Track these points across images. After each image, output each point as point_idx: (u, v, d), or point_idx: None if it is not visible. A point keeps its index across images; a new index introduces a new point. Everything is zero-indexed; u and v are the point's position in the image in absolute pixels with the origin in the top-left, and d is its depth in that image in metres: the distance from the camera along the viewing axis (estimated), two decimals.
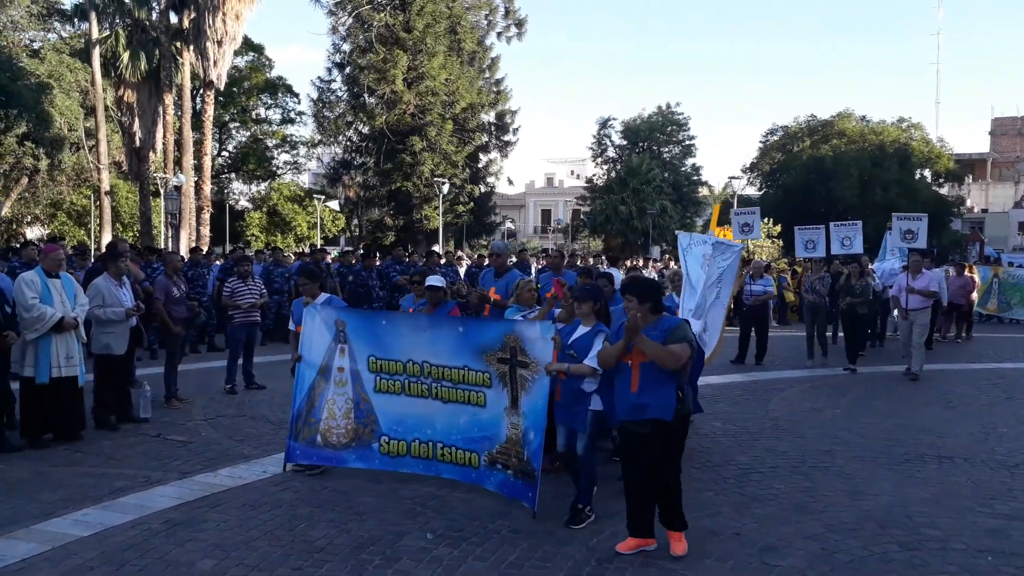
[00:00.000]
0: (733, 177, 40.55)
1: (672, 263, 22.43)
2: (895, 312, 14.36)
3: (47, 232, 37.16)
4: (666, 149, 50.30)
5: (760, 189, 49.33)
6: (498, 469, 5.38)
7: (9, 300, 6.89)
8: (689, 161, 50.67)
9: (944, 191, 47.28)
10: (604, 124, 50.71)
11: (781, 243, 29.62)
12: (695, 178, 50.78)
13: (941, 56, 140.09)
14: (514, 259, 14.08)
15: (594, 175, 51.46)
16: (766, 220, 38.36)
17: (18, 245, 18.73)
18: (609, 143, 51.16)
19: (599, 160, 51.35)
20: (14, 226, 35.12)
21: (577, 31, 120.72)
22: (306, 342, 6.19)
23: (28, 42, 32.16)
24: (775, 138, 49.24)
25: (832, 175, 40.38)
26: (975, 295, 17.43)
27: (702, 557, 4.67)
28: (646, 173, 44.53)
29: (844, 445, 7.44)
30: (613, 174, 48.27)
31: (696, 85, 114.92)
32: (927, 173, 46.36)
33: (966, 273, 17.16)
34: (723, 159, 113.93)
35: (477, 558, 4.67)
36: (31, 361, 6.91)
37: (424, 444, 5.68)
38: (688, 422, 4.91)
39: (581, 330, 5.26)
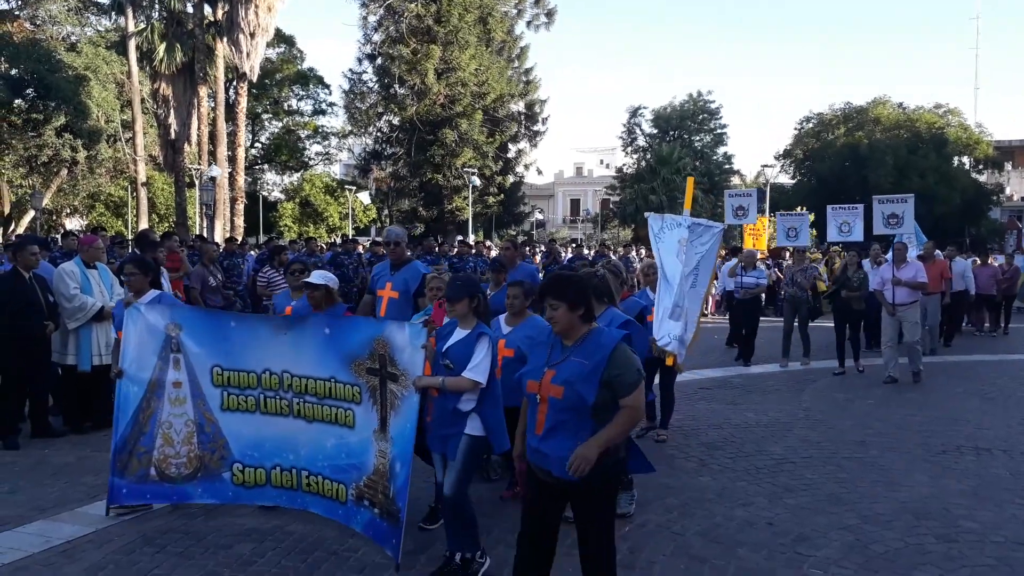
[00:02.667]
0: (766, 165, 39.93)
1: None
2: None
3: (86, 223, 37.95)
4: (697, 138, 49.74)
5: (793, 177, 48.65)
6: (365, 506, 4.29)
7: (51, 289, 7.05)
8: (721, 150, 50.07)
9: (983, 178, 46.24)
10: (634, 113, 50.29)
11: (815, 232, 29.24)
12: (727, 167, 50.16)
13: (980, 41, 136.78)
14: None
15: (624, 164, 51.10)
16: (800, 208, 37.93)
17: (59, 235, 19.16)
18: (639, 132, 50.72)
19: (629, 149, 50.94)
20: (54, 217, 35.87)
21: (607, 18, 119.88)
22: (128, 352, 4.92)
23: (65, 35, 32.73)
24: (809, 125, 48.47)
25: (867, 162, 39.72)
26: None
27: (735, 547, 4.66)
28: (677, 162, 44.13)
29: (878, 436, 7.35)
30: (643, 163, 47.88)
31: (728, 72, 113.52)
32: (965, 160, 45.37)
33: (995, 263, 16.67)
34: (756, 147, 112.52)
35: (507, 545, 4.69)
36: (72, 349, 7.07)
37: (287, 472, 4.65)
38: (619, 477, 3.58)
39: (458, 334, 4.27)
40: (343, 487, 4.42)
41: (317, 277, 5.27)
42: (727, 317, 13.01)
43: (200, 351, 4.80)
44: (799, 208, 31.80)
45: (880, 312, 10.51)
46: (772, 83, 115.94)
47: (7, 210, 30.23)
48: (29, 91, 27.30)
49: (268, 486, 4.72)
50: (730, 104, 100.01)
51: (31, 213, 28.80)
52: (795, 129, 49.48)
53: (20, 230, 28.98)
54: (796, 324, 11.44)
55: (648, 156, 47.99)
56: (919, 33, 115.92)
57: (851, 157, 41.35)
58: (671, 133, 49.31)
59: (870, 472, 6.20)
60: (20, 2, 31.82)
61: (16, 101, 26.88)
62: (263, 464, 4.72)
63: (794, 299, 11.47)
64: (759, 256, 14.48)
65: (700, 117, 49.46)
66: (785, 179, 48.97)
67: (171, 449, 4.85)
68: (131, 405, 4.89)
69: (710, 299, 16.10)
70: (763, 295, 12.75)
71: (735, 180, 51.48)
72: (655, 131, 50.16)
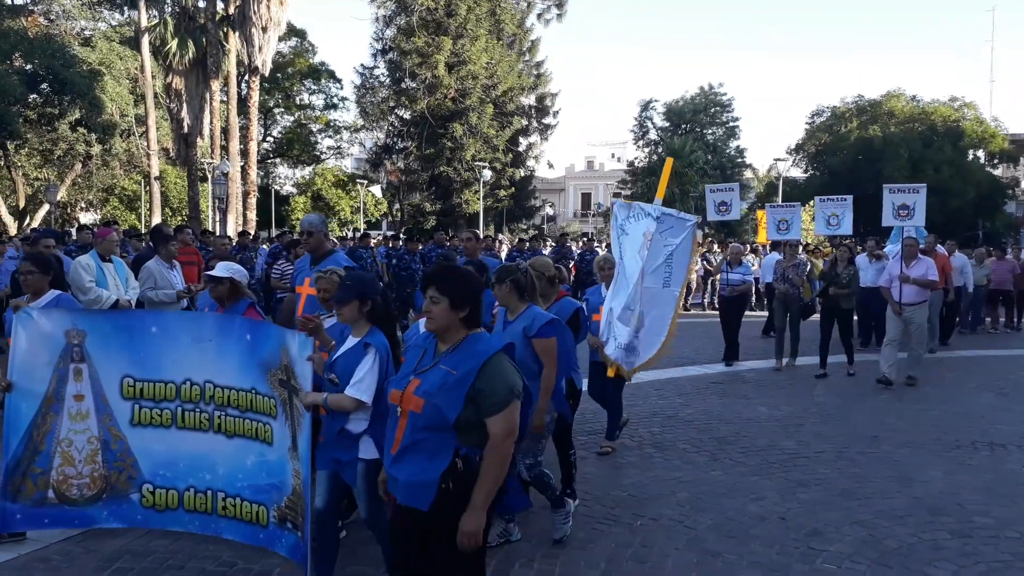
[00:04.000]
0: (778, 159, 39.80)
1: (715, 245, 22.20)
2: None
3: (100, 216, 38.20)
4: (709, 131, 49.59)
5: (806, 171, 48.43)
6: (288, 529, 3.90)
7: (67, 282, 7.11)
8: (733, 143, 49.93)
9: (998, 172, 45.90)
10: (646, 106, 50.21)
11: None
12: (739, 160, 50.01)
13: (996, 33, 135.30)
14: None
15: (635, 158, 51.02)
16: (811, 204, 37.75)
17: (73, 229, 19.31)
18: (651, 125, 50.62)
19: (640, 143, 50.86)
20: (69, 211, 36.13)
21: (618, 11, 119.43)
22: (19, 362, 4.28)
23: (80, 30, 32.91)
24: (822, 119, 48.21)
25: (881, 156, 39.48)
26: None
27: (747, 541, 4.66)
28: (689, 155, 44.01)
29: (892, 431, 7.32)
30: (655, 157, 47.78)
31: (740, 65, 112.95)
32: (980, 154, 45.02)
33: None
34: (768, 141, 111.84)
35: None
36: None
37: (201, 494, 4.16)
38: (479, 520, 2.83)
39: (349, 343, 3.83)
40: (264, 509, 3.99)
41: (221, 269, 4.79)
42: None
43: (108, 360, 4.22)
44: (811, 203, 31.57)
45: (881, 309, 10.04)
46: (785, 76, 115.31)
47: (22, 203, 30.48)
48: (44, 86, 27.51)
49: (180, 509, 4.21)
50: (742, 97, 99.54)
51: (46, 207, 29.04)
52: (807, 123, 49.26)
53: (35, 223, 29.21)
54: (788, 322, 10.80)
55: (660, 149, 47.87)
56: (934, 25, 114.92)
57: (864, 151, 41.10)
58: (683, 126, 49.19)
59: (883, 467, 6.18)
60: None
61: (31, 96, 27.07)
62: (176, 485, 4.20)
63: (785, 296, 10.83)
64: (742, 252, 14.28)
65: (712, 110, 49.31)
66: (797, 173, 48.76)
67: (72, 469, 4.31)
68: (23, 422, 4.27)
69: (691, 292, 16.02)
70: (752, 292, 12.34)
71: (747, 174, 51.31)
72: (667, 124, 50.04)
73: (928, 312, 9.93)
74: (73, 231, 18.74)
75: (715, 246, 22.01)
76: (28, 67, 27.00)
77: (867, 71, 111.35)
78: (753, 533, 4.79)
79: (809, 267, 11.38)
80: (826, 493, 5.53)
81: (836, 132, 46.19)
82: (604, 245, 20.68)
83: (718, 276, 12.79)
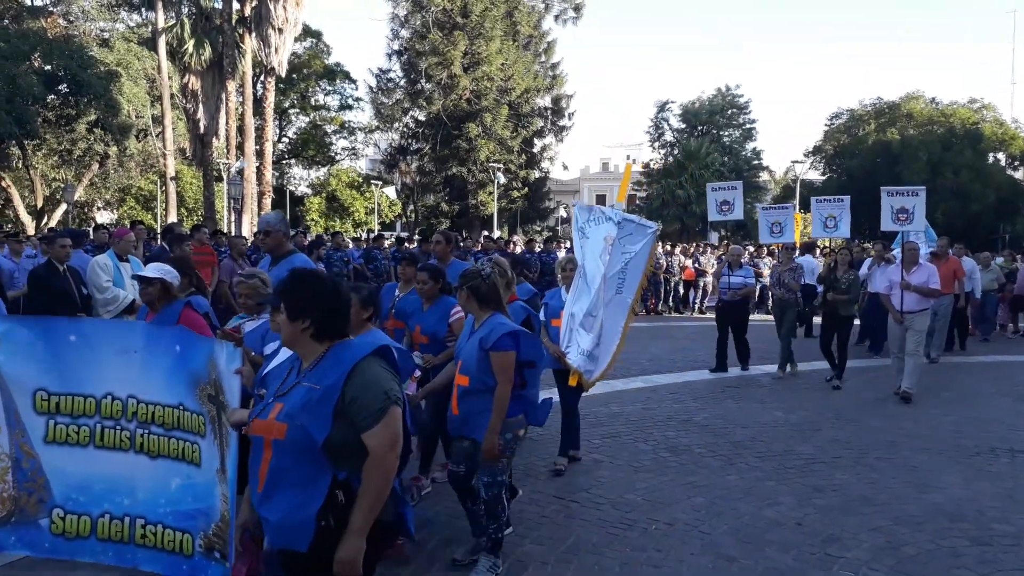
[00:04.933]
0: (796, 161, 39.60)
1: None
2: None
3: (116, 216, 38.51)
4: (726, 133, 49.35)
5: (824, 174, 48.10)
6: (216, 559, 3.54)
7: (85, 280, 7.16)
8: (750, 145, 49.65)
9: (1019, 175, 45.38)
10: (662, 107, 50.01)
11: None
12: (756, 162, 49.74)
13: (1017, 35, 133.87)
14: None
15: (651, 159, 50.85)
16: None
17: (91, 228, 19.45)
18: (667, 127, 50.42)
19: (656, 144, 50.70)
20: (85, 210, 36.43)
21: (635, 13, 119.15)
22: None
23: (98, 32, 33.18)
24: (840, 121, 47.88)
25: (899, 159, 39.15)
26: None
27: (763, 547, 4.61)
28: (705, 157, 43.82)
29: (910, 437, 7.24)
30: (671, 158, 47.61)
31: (757, 67, 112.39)
32: (1001, 156, 44.56)
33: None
34: (785, 143, 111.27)
35: (534, 541, 4.69)
36: None
37: (117, 521, 3.72)
38: (380, 545, 2.66)
39: (281, 354, 3.47)
40: (189, 537, 3.58)
41: (152, 270, 4.52)
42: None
43: (20, 372, 3.80)
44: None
45: (883, 315, 9.68)
46: (803, 78, 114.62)
47: (40, 203, 30.75)
48: (62, 86, 27.72)
49: (92, 538, 3.77)
50: (760, 99, 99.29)
51: (63, 206, 29.28)
52: (825, 125, 48.94)
53: (53, 223, 29.47)
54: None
55: (676, 151, 47.72)
56: (953, 27, 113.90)
57: (883, 153, 40.76)
58: (699, 128, 48.98)
59: (901, 473, 6.10)
60: None
61: (50, 96, 27.30)
62: (89, 511, 3.76)
63: (782, 302, 10.47)
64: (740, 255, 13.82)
65: (729, 112, 49.10)
66: (815, 175, 48.45)
67: None
68: None
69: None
70: (754, 296, 11.66)
71: (764, 176, 51.06)
72: (683, 126, 49.86)
73: (929, 320, 9.50)
74: (90, 231, 18.89)
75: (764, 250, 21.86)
76: (47, 68, 27.22)
77: (886, 73, 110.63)
78: (769, 538, 4.74)
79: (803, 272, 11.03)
80: (843, 499, 5.47)
81: (854, 134, 45.85)
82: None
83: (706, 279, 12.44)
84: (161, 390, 3.64)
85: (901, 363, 9.08)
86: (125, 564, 3.71)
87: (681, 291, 19.71)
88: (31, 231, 24.59)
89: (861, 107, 46.80)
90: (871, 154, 41.99)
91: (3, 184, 28.88)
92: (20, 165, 29.48)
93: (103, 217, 38.00)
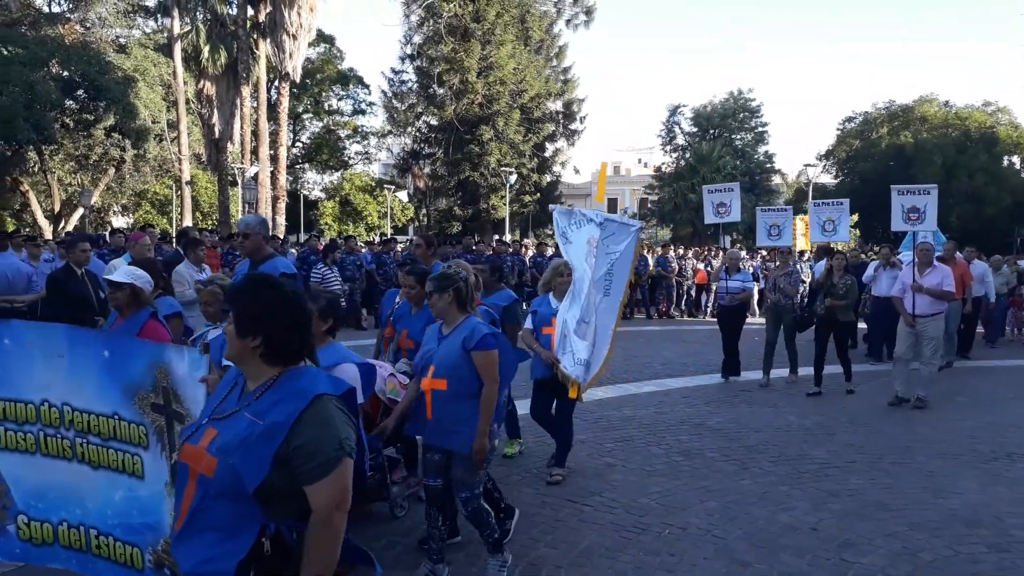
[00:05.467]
0: (808, 165, 39.41)
1: (742, 251, 22.01)
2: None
3: (132, 220, 38.81)
4: (738, 136, 49.19)
5: (836, 177, 47.90)
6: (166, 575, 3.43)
7: (102, 285, 7.23)
8: (762, 148, 49.44)
9: None
10: (673, 111, 49.91)
11: (859, 233, 28.75)
12: (768, 166, 49.55)
13: None
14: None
15: (663, 163, 50.73)
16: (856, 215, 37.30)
17: (107, 233, 19.63)
18: (678, 130, 50.31)
19: (668, 148, 50.60)
20: (102, 214, 36.75)
21: (646, 17, 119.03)
22: None
23: (115, 38, 33.49)
24: (853, 125, 47.67)
25: (913, 162, 38.96)
26: None
27: (777, 551, 4.60)
28: (717, 161, 43.69)
29: (925, 442, 7.20)
30: (683, 162, 47.51)
31: (770, 70, 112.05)
32: (1016, 160, 44.22)
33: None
34: (798, 146, 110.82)
35: (548, 544, 4.70)
36: None
37: (75, 529, 3.60)
38: None
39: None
40: (139, 551, 3.42)
41: (122, 275, 4.38)
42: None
43: None
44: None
45: (895, 321, 9.28)
46: (815, 81, 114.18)
47: (58, 208, 31.04)
48: (80, 92, 27.97)
49: (56, 545, 3.66)
50: (772, 102, 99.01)
51: (80, 210, 29.54)
52: (838, 128, 48.75)
53: (70, 227, 29.75)
54: (782, 336, 10.12)
55: (687, 155, 47.61)
56: (967, 30, 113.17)
57: (896, 157, 40.58)
58: (711, 131, 48.86)
59: (917, 478, 6.07)
60: (71, 5, 32.66)
61: (67, 102, 27.56)
62: (49, 518, 3.65)
63: (777, 308, 10.08)
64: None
65: (741, 115, 48.95)
66: (828, 179, 48.23)
67: None
68: None
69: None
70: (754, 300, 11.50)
71: (776, 179, 50.87)
72: (695, 129, 49.75)
73: (944, 325, 9.22)
74: (106, 235, 19.06)
75: (743, 252, 21.85)
76: (65, 74, 27.48)
77: (898, 76, 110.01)
78: (783, 543, 4.72)
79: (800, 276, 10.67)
80: (858, 504, 5.44)
81: (867, 138, 45.65)
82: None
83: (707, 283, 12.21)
84: (92, 398, 3.47)
85: (904, 370, 8.85)
86: (88, 572, 3.60)
87: (693, 295, 19.67)
88: (48, 235, 24.84)
89: (874, 110, 46.61)
90: (884, 157, 41.82)
91: (21, 189, 29.18)
92: (38, 170, 29.78)
93: (119, 221, 38.30)
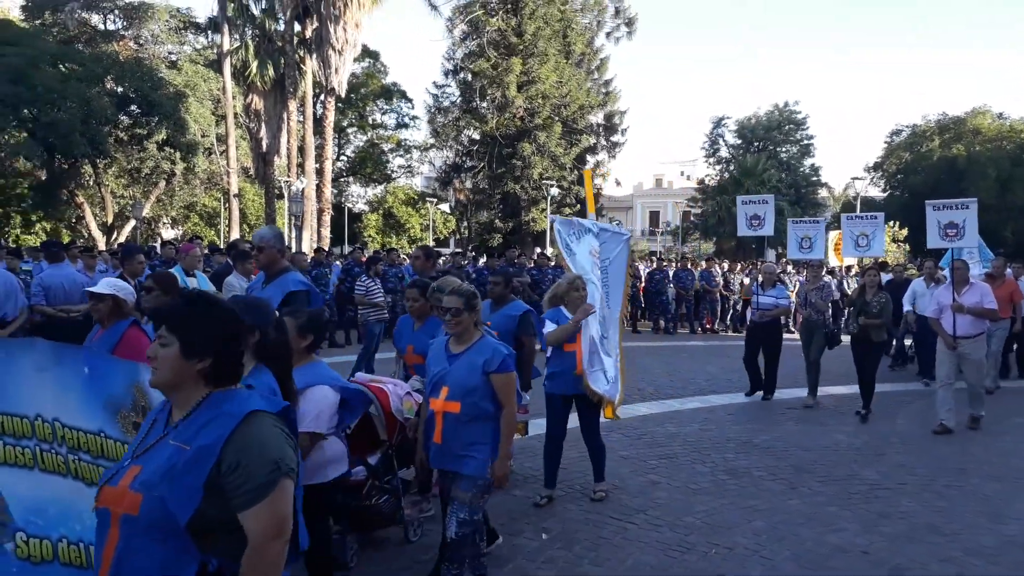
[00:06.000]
0: (856, 178, 38.76)
1: (788, 266, 21.68)
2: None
3: (181, 232, 39.73)
4: (783, 149, 48.61)
5: (884, 190, 46.99)
6: None
7: None
8: (808, 161, 48.80)
9: None
10: (717, 123, 49.59)
11: (908, 247, 28.15)
12: (814, 179, 48.88)
13: None
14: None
15: (706, 176, 50.37)
16: (891, 223, 36.56)
17: (158, 244, 20.12)
18: (722, 143, 49.95)
19: (711, 160, 50.24)
20: (152, 226, 37.69)
21: (689, 28, 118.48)
22: None
23: (167, 54, 34.44)
24: (902, 137, 46.76)
25: (965, 175, 38.05)
26: None
27: (827, 573, 4.50)
28: (761, 174, 43.22)
29: (980, 464, 6.99)
30: (726, 175, 47.10)
31: (815, 81, 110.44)
32: None
33: None
34: (844, 159, 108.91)
35: (592, 562, 4.67)
36: None
37: (75, 546, 3.51)
38: None
39: None
40: None
41: (104, 286, 4.34)
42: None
43: None
44: (891, 225, 30.35)
45: (933, 339, 8.93)
46: (863, 92, 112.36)
47: (110, 219, 31.91)
48: (133, 107, 28.84)
49: (56, 562, 3.54)
50: (818, 114, 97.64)
51: (132, 222, 30.32)
52: (886, 141, 47.86)
53: (122, 238, 30.54)
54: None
55: (731, 167, 47.21)
56: (1017, 40, 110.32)
57: (948, 170, 39.68)
58: (755, 144, 48.39)
59: (972, 502, 5.90)
60: (126, 22, 33.69)
61: (121, 117, 28.40)
62: (48, 534, 3.54)
63: (809, 323, 9.78)
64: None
65: (786, 128, 48.40)
66: (876, 192, 47.35)
67: None
68: None
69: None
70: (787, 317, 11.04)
71: (822, 192, 50.13)
72: (739, 142, 49.34)
73: (987, 347, 8.68)
74: (157, 246, 19.51)
75: (789, 266, 21.54)
76: (119, 89, 28.36)
77: (950, 88, 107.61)
78: (833, 565, 4.63)
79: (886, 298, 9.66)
80: (910, 527, 5.31)
81: (917, 151, 44.74)
82: (676, 264, 20.32)
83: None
84: (79, 414, 3.43)
85: (948, 395, 8.26)
86: None
87: (739, 309, 19.42)
88: (101, 246, 25.52)
89: (924, 122, 45.67)
90: (935, 171, 40.92)
91: (77, 201, 30.08)
92: (92, 183, 30.69)
93: (168, 233, 39.23)
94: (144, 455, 2.01)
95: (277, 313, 3.33)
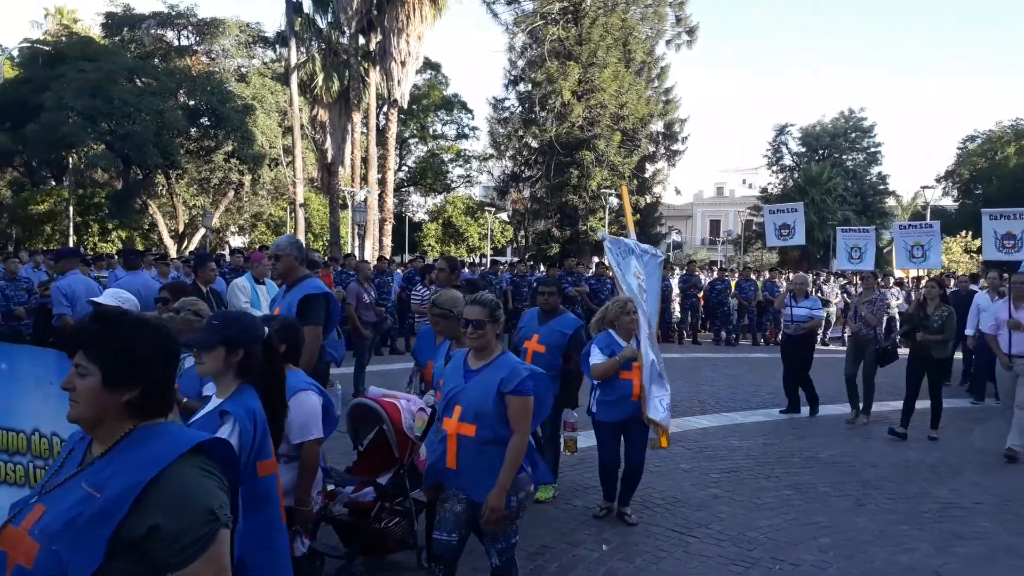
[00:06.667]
0: (926, 186, 37.51)
1: (855, 277, 21.12)
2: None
3: (248, 240, 40.85)
4: (849, 156, 47.48)
5: (956, 199, 45.42)
6: None
7: (224, 302, 7.64)
8: (875, 169, 47.58)
9: None
10: (781, 131, 48.80)
11: (982, 258, 27.10)
12: (881, 187, 47.61)
13: None
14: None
15: (768, 184, 49.53)
16: (964, 232, 35.30)
17: (226, 252, 20.74)
18: (786, 150, 49.08)
19: (774, 168, 49.39)
20: (220, 235, 38.86)
21: (750, 35, 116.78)
22: None
23: (236, 68, 35.54)
24: (975, 144, 45.17)
25: None
26: None
27: None
28: (827, 182, 42.30)
29: None
30: (790, 183, 46.22)
31: (883, 88, 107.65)
32: None
33: None
34: (914, 167, 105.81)
35: (652, 574, 4.63)
36: None
37: None
38: None
39: (210, 404, 2.88)
40: None
41: (108, 297, 4.15)
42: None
43: None
44: (963, 233, 29.45)
45: (990, 355, 8.37)
46: (933, 98, 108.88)
47: (181, 228, 33.02)
48: (203, 120, 29.85)
49: None
50: (886, 121, 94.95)
51: (202, 231, 31.31)
52: (959, 148, 46.29)
53: (192, 246, 31.57)
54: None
55: (795, 176, 46.32)
56: None
57: None
58: (820, 152, 47.41)
59: None
60: (199, 38, 34.90)
61: (192, 129, 29.42)
62: None
63: (858, 338, 9.24)
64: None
65: (852, 135, 47.28)
66: (948, 202, 45.80)
67: None
68: None
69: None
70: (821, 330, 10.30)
71: (890, 201, 48.80)
72: (803, 149, 48.41)
73: None
74: (226, 254, 20.12)
75: (855, 277, 20.95)
76: (190, 103, 29.42)
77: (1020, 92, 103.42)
78: None
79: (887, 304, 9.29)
80: (988, 549, 5.12)
81: (991, 158, 43.15)
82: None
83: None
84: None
85: (1011, 416, 7.73)
86: None
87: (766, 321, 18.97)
88: (173, 254, 26.43)
89: (999, 128, 44.03)
90: (1012, 178, 39.37)
91: (150, 211, 31.22)
92: (165, 192, 31.83)
93: (236, 241, 40.39)
94: (51, 494, 1.71)
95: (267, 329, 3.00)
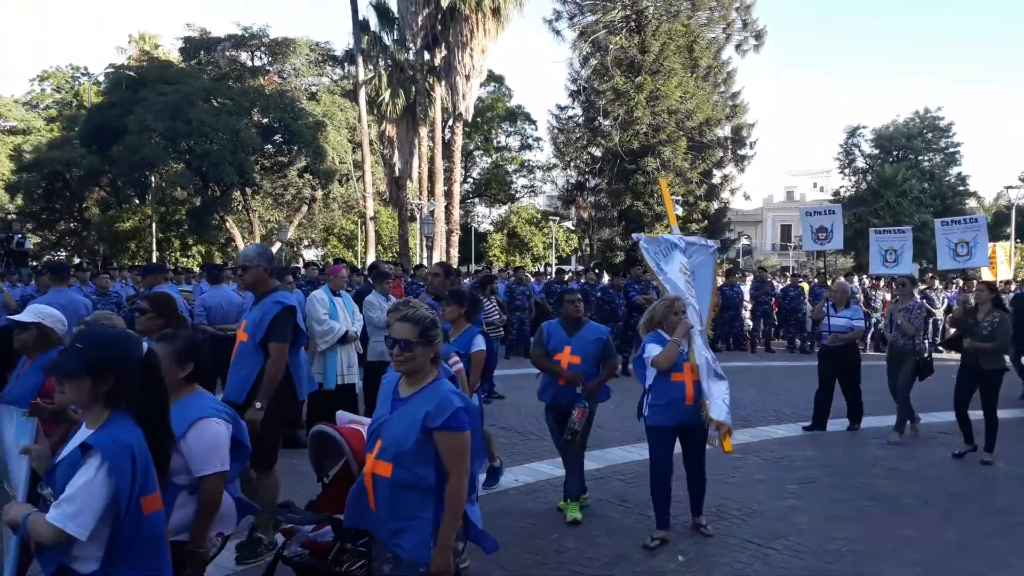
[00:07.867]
0: (1009, 187, 35.96)
1: (936, 281, 20.39)
2: None
3: (322, 253, 41.95)
4: (925, 158, 45.85)
5: None
6: None
7: (303, 315, 7.90)
8: (954, 170, 45.78)
9: None
10: (852, 132, 47.40)
11: None
12: (961, 188, 45.81)
13: None
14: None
15: (840, 187, 48.20)
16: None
17: (300, 265, 21.33)
18: (858, 152, 47.68)
19: (847, 171, 48.05)
20: (294, 248, 39.99)
21: (820, 37, 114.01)
22: None
23: (307, 86, 36.61)
24: None
25: None
26: None
27: None
28: (902, 184, 40.90)
29: None
30: (863, 185, 44.90)
31: (962, 83, 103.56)
32: None
33: None
34: (996, 167, 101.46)
35: None
36: (319, 369, 7.84)
37: None
38: None
39: (77, 438, 2.49)
40: None
41: (29, 314, 3.97)
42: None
43: None
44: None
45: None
46: (1014, 95, 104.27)
47: (258, 242, 34.14)
48: (277, 137, 30.85)
49: None
50: (965, 119, 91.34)
51: (278, 244, 32.29)
52: None
53: None
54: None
55: (869, 178, 45.00)
56: None
57: None
58: (894, 153, 45.95)
59: None
60: (271, 58, 36.10)
61: (266, 146, 30.44)
62: None
63: (894, 348, 8.68)
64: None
65: (928, 136, 45.71)
66: None
67: None
68: None
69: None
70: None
71: (971, 203, 46.94)
72: (876, 151, 47.01)
73: None
74: (300, 266, 20.69)
75: (881, 282, 20.16)
76: (264, 121, 30.45)
77: None
78: None
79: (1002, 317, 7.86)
80: None
81: None
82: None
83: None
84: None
85: None
86: None
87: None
88: None
89: None
90: None
91: (227, 226, 32.36)
92: (241, 208, 32.95)
93: (309, 254, 41.52)
94: None
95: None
